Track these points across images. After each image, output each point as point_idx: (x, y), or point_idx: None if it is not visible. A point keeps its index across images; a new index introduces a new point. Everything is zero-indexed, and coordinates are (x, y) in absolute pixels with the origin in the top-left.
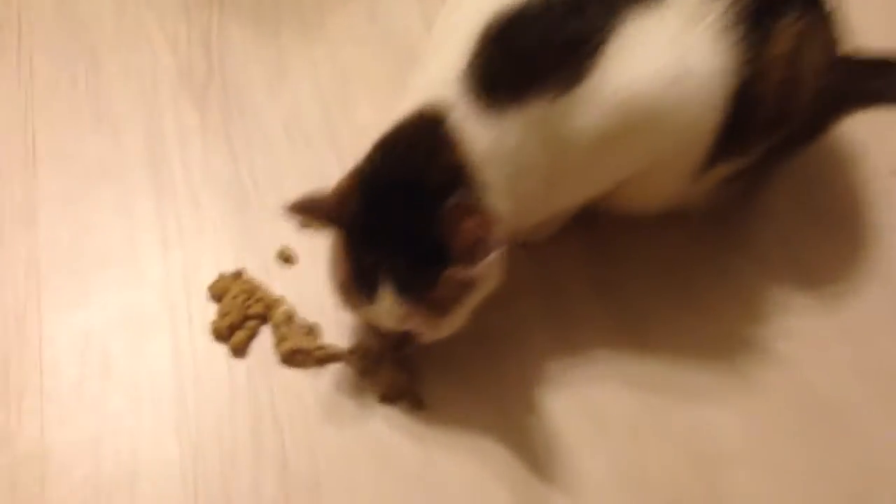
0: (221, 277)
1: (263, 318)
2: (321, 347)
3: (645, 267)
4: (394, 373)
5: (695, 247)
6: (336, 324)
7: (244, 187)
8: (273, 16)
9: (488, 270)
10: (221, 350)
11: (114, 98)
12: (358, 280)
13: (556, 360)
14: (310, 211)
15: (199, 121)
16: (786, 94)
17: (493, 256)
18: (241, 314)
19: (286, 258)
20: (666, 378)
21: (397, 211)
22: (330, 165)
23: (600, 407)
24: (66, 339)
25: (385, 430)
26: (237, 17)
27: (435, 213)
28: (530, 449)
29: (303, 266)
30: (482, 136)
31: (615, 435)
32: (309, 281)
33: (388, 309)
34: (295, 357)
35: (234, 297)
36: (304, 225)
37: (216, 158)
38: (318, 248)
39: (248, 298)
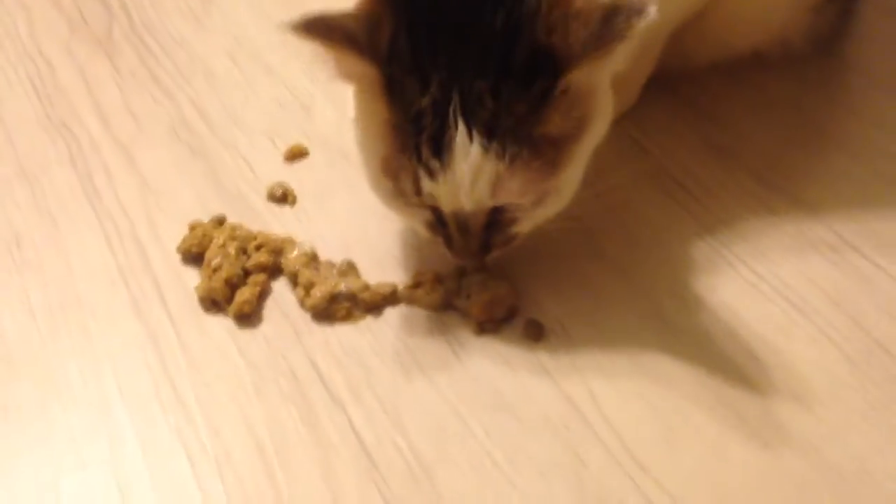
0: (196, 226)
1: (272, 270)
2: (368, 287)
3: (761, 119)
4: (487, 288)
5: (808, 83)
6: (378, 258)
7: (194, 128)
8: None
9: (624, 63)
10: (221, 323)
11: None
12: (414, 135)
13: (701, 242)
14: (328, 32)
15: (110, 66)
16: None
17: (640, 24)
18: (239, 266)
19: (282, 195)
20: (857, 230)
21: (458, 15)
22: (301, 87)
23: (788, 283)
24: None
25: (500, 375)
26: None
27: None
28: (718, 355)
29: (306, 202)
30: None
31: (825, 313)
32: (320, 218)
33: (474, 168)
34: (334, 307)
35: (223, 246)
36: (291, 155)
37: (144, 103)
38: (322, 176)
39: (244, 246)
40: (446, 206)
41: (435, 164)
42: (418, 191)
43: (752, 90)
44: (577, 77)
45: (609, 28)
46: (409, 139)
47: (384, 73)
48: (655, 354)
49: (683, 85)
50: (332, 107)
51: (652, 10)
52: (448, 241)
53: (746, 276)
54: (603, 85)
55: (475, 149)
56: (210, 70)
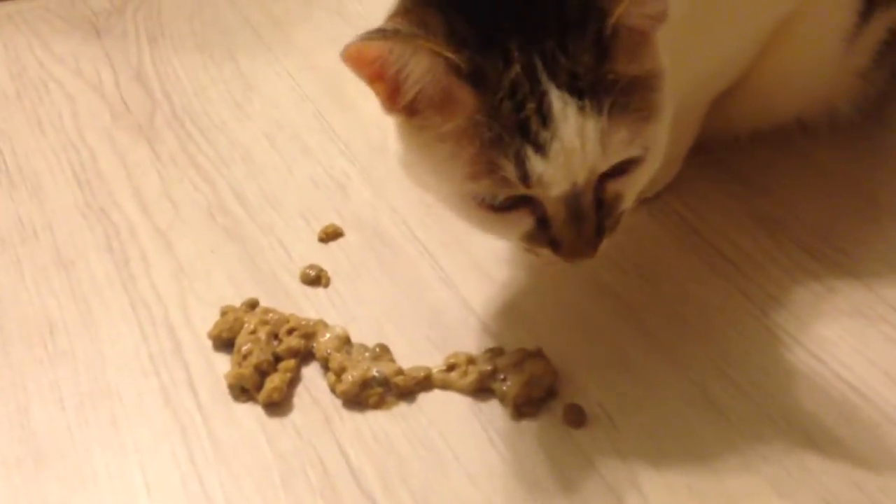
0: (227, 310)
1: (304, 355)
2: (402, 372)
3: (810, 189)
4: (523, 368)
5: (857, 151)
6: (412, 341)
7: (231, 212)
8: (221, 44)
9: None
10: (251, 411)
11: (22, 155)
12: (515, 111)
13: (751, 320)
14: (395, 33)
15: (151, 153)
16: None
17: None
18: (269, 352)
19: (315, 277)
20: None
21: None
22: (338, 167)
23: (846, 364)
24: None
25: (539, 464)
26: (175, 52)
27: None
28: (774, 443)
29: (339, 283)
30: None
31: (887, 396)
32: (353, 299)
33: (579, 129)
34: (366, 393)
35: (254, 332)
36: (326, 236)
37: (182, 189)
38: (355, 257)
39: (276, 330)
40: (557, 187)
41: (545, 135)
42: (524, 175)
43: (799, 159)
44: (625, 19)
45: None
46: (509, 118)
47: (457, 61)
48: (706, 443)
49: (728, 156)
50: (367, 186)
51: None
52: (556, 243)
53: (801, 357)
54: (658, 44)
55: (572, 109)
56: (249, 154)
